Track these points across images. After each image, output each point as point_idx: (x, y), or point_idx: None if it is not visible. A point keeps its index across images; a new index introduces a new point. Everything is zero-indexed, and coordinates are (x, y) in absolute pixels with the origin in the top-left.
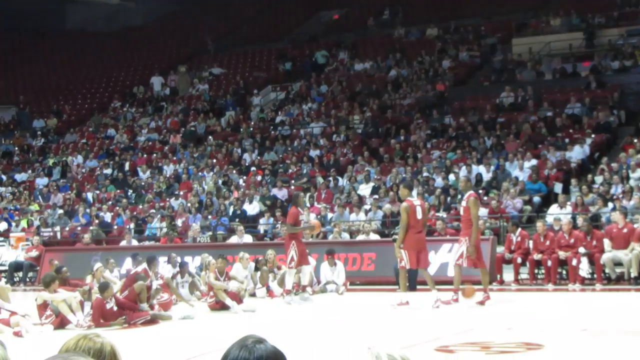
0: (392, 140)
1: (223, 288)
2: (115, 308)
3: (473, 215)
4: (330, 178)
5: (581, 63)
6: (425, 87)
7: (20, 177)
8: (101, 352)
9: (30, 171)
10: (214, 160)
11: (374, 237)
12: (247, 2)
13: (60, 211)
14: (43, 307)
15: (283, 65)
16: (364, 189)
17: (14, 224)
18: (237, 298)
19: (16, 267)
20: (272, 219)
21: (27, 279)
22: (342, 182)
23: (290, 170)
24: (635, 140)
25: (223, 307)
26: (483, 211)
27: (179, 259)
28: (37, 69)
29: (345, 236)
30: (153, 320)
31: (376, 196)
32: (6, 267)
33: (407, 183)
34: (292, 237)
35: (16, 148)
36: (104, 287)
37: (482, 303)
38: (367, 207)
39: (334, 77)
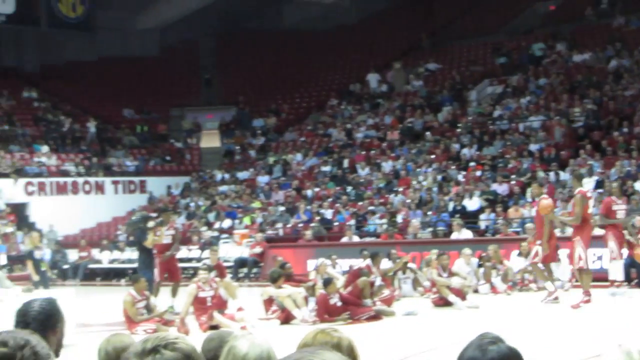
0: (615, 133)
1: (446, 284)
2: (339, 304)
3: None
4: (552, 172)
5: None
6: None
7: (242, 175)
8: (339, 347)
9: (251, 169)
10: (433, 156)
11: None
12: None
13: (282, 208)
14: (269, 302)
15: (499, 59)
16: (587, 183)
17: (237, 221)
18: (461, 294)
19: (241, 263)
20: (493, 215)
21: (252, 275)
22: (564, 176)
23: (510, 165)
24: None
25: (446, 303)
26: None
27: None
28: (255, 69)
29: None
30: (376, 316)
31: (601, 190)
32: (231, 263)
33: (578, 174)
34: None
35: (237, 147)
36: (328, 282)
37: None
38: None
39: (552, 69)
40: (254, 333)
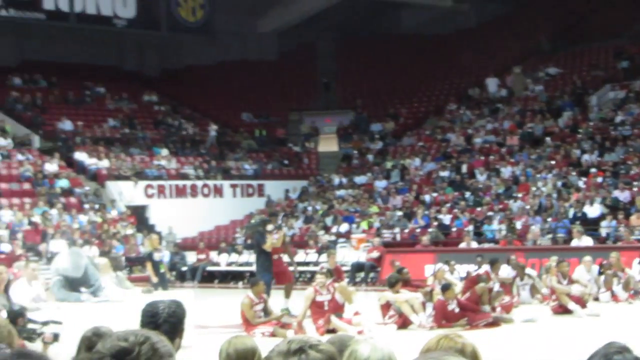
0: None
1: (566, 292)
2: (457, 310)
3: None
4: None
5: None
6: None
7: (359, 179)
8: (463, 352)
9: (369, 174)
10: (553, 162)
11: None
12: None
13: (399, 213)
14: (386, 307)
15: (621, 63)
16: None
17: (354, 225)
18: (581, 302)
19: (358, 267)
20: (614, 222)
21: (368, 279)
22: None
23: (632, 172)
24: None
25: (566, 311)
26: None
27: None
28: (374, 73)
29: None
30: (495, 323)
31: None
32: (348, 268)
33: None
34: None
35: (355, 151)
36: (447, 288)
37: None
38: None
39: None
40: (375, 337)
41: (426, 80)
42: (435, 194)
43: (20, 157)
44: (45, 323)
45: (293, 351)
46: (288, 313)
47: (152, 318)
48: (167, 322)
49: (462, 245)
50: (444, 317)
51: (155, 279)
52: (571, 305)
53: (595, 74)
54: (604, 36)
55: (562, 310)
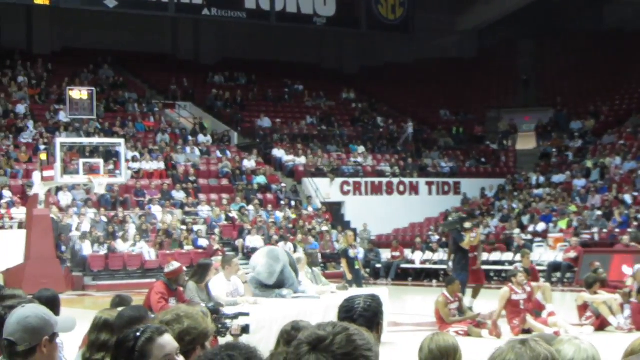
0: None
1: None
2: None
3: None
4: None
5: None
6: None
7: (557, 178)
8: None
9: (567, 172)
10: None
11: None
12: None
13: (599, 212)
14: (583, 308)
15: None
16: None
17: (552, 224)
18: None
19: (554, 267)
20: None
21: (565, 280)
22: None
23: None
24: None
25: None
26: None
27: None
28: (574, 70)
29: None
30: None
31: None
32: (545, 267)
33: None
34: None
35: (554, 149)
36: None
37: None
38: None
39: None
40: (580, 338)
41: (628, 78)
42: (636, 194)
43: (219, 153)
44: (235, 316)
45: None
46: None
47: (348, 313)
48: (362, 316)
49: None
50: None
51: (349, 276)
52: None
53: None
54: None
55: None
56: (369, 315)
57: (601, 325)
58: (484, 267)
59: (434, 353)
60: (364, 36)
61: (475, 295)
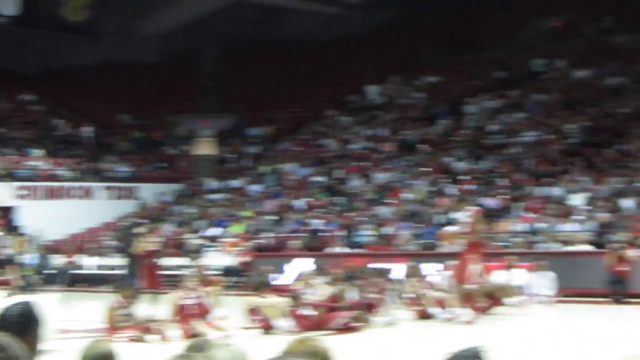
0: (608, 150)
1: (429, 296)
2: (315, 313)
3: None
4: (543, 187)
5: None
6: None
7: (234, 183)
8: (316, 356)
9: (244, 178)
10: (426, 169)
11: (586, 247)
12: (465, 10)
13: (272, 218)
14: (252, 311)
15: (498, 74)
16: (577, 199)
17: (226, 229)
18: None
19: (228, 271)
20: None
21: (238, 284)
22: (555, 191)
23: (502, 180)
24: None
25: (428, 315)
26: None
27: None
28: (256, 78)
29: (556, 246)
30: (352, 327)
31: (589, 207)
32: (219, 272)
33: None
34: None
35: (233, 155)
36: (296, 297)
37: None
38: (580, 217)
39: (551, 86)
40: (231, 341)
41: (307, 86)
42: (308, 199)
43: None
44: None
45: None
46: (152, 318)
47: (2, 321)
48: (16, 323)
49: (332, 250)
50: (305, 322)
51: (20, 282)
52: (433, 309)
53: (472, 84)
54: (483, 47)
55: (424, 314)
56: (23, 322)
57: (269, 328)
58: (161, 272)
59: None
60: (47, 37)
61: (151, 300)
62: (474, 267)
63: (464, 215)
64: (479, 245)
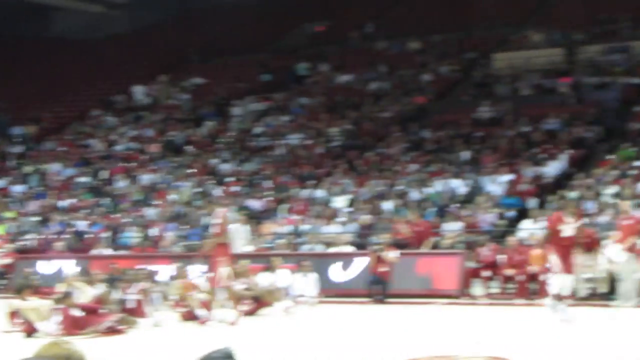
0: (370, 153)
1: (195, 298)
2: (81, 314)
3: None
4: (307, 189)
5: (560, 79)
6: (405, 100)
7: None
8: (68, 359)
9: (7, 178)
10: (192, 170)
11: (348, 248)
12: (231, 13)
13: (35, 219)
14: (14, 314)
15: (264, 76)
16: (340, 201)
17: None
18: (208, 307)
19: None
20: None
21: (0, 286)
22: (318, 193)
23: (267, 182)
24: (611, 156)
25: (195, 316)
26: (458, 225)
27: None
28: (19, 75)
29: (320, 247)
30: (118, 329)
31: (351, 209)
32: None
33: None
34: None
35: None
36: (64, 296)
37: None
38: (342, 219)
39: (314, 89)
40: None
41: (73, 85)
42: (72, 200)
43: None
44: None
45: None
46: None
47: None
48: None
49: (97, 251)
50: (71, 324)
51: None
52: (200, 311)
53: (238, 86)
54: (249, 49)
55: (191, 316)
56: None
57: (30, 331)
58: None
59: None
60: None
61: None
62: (223, 270)
63: (215, 217)
64: (227, 247)
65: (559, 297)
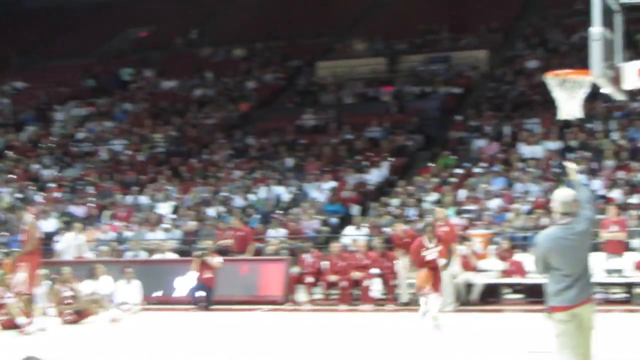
0: (194, 160)
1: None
2: None
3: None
4: (130, 196)
5: (383, 88)
6: (230, 107)
7: None
8: None
9: None
10: (13, 176)
11: (171, 256)
12: (55, 17)
13: None
14: None
15: (88, 81)
16: (164, 208)
17: None
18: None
19: None
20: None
21: None
22: (142, 199)
23: (90, 188)
24: (432, 164)
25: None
26: (281, 232)
27: None
28: None
29: (143, 254)
30: None
31: (174, 216)
32: None
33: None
34: None
35: None
36: None
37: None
38: (166, 225)
39: (139, 95)
40: None
41: None
42: None
43: None
44: None
45: None
46: None
47: None
48: None
49: None
50: None
51: None
52: (20, 319)
53: (61, 91)
54: (73, 54)
55: (11, 324)
56: None
57: None
58: None
59: None
60: None
61: None
62: (23, 275)
63: (23, 224)
64: (34, 253)
65: (424, 314)
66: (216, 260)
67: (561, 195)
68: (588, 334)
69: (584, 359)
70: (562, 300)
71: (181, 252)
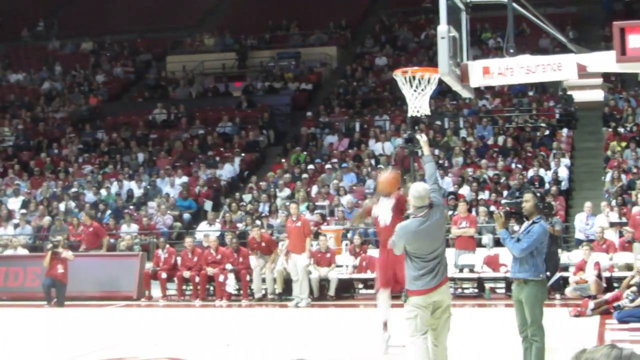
0: (43, 154)
1: None
2: None
3: None
4: None
5: (233, 83)
6: (79, 101)
7: None
8: None
9: None
10: None
11: (22, 251)
12: None
13: None
14: None
15: None
16: (14, 203)
17: None
18: None
19: None
20: None
21: None
22: None
23: None
24: (283, 160)
25: None
26: (133, 227)
27: None
28: None
29: None
30: None
31: (24, 210)
32: None
33: None
34: None
35: None
36: None
37: None
38: (16, 221)
39: None
40: None
41: None
42: None
43: None
44: None
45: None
46: None
47: None
48: None
49: None
50: None
51: None
52: None
53: None
54: None
55: None
56: None
57: None
58: None
59: None
60: None
61: None
62: None
63: None
64: None
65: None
66: (67, 255)
67: (415, 190)
68: (442, 315)
69: (437, 342)
70: (421, 285)
71: (32, 248)
